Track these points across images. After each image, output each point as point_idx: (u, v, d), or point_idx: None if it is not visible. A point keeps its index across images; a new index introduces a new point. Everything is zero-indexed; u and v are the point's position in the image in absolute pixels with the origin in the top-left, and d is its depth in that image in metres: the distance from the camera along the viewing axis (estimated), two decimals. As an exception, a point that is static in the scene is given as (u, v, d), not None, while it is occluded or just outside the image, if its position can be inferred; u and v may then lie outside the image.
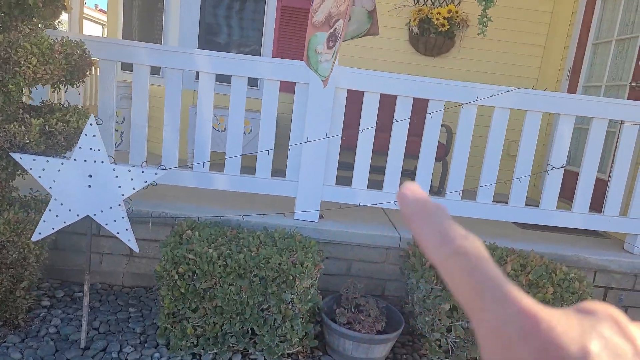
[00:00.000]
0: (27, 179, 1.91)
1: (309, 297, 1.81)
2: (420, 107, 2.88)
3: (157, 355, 1.82)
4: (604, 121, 2.37)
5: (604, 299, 2.47)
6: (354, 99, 2.85)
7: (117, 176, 1.69)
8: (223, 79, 2.36)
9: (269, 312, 1.78)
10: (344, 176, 2.73)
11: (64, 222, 1.69)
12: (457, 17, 3.70)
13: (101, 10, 12.47)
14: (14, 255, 1.75)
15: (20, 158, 1.67)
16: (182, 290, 1.74)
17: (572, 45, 3.71)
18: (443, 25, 3.67)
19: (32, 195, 2.02)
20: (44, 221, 1.68)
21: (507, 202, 2.47)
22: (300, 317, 1.80)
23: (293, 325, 1.78)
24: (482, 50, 3.85)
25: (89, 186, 1.68)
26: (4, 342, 1.80)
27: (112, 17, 4.41)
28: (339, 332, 1.85)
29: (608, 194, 2.45)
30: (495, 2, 1.88)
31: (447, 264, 0.19)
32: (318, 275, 1.91)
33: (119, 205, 1.70)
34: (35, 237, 1.69)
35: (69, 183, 1.67)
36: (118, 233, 1.72)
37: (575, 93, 3.62)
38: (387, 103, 2.80)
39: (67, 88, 2.04)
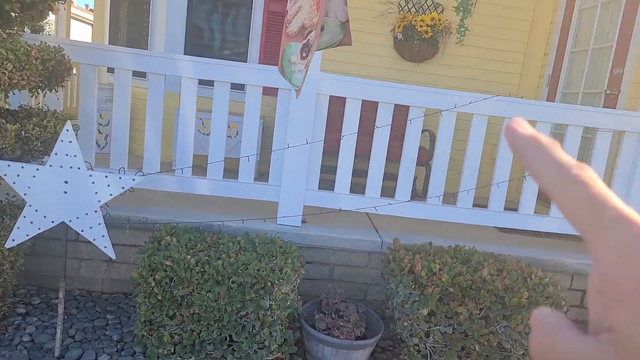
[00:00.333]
0: (3, 184, 1.88)
1: (288, 303, 1.82)
2: (402, 112, 2.91)
3: (134, 362, 1.81)
4: (578, 128, 2.42)
5: (581, 304, 2.52)
6: (339, 100, 2.86)
7: (93, 182, 1.68)
8: (209, 82, 2.36)
9: (247, 318, 1.78)
10: (328, 179, 2.74)
11: (39, 229, 1.67)
12: (440, 24, 3.75)
13: (92, 11, 12.36)
14: (-13, 263, 1.72)
15: (-6, 164, 1.65)
16: (159, 297, 1.73)
17: (551, 53, 3.80)
18: (427, 32, 3.72)
19: (8, 201, 1.99)
20: (18, 228, 1.66)
21: (487, 207, 2.50)
22: (279, 324, 1.80)
23: (272, 331, 1.77)
24: (465, 57, 3.91)
25: (65, 192, 1.67)
26: (-23, 351, 1.77)
27: (98, 20, 4.37)
28: (317, 338, 1.86)
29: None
30: (472, 12, 1.92)
31: (565, 192, 0.21)
32: (298, 281, 1.91)
33: (95, 211, 1.69)
34: (9, 244, 1.67)
35: (44, 189, 1.65)
36: (94, 240, 1.70)
37: (554, 99, 3.70)
38: (372, 106, 2.83)
39: (46, 93, 2.02)
